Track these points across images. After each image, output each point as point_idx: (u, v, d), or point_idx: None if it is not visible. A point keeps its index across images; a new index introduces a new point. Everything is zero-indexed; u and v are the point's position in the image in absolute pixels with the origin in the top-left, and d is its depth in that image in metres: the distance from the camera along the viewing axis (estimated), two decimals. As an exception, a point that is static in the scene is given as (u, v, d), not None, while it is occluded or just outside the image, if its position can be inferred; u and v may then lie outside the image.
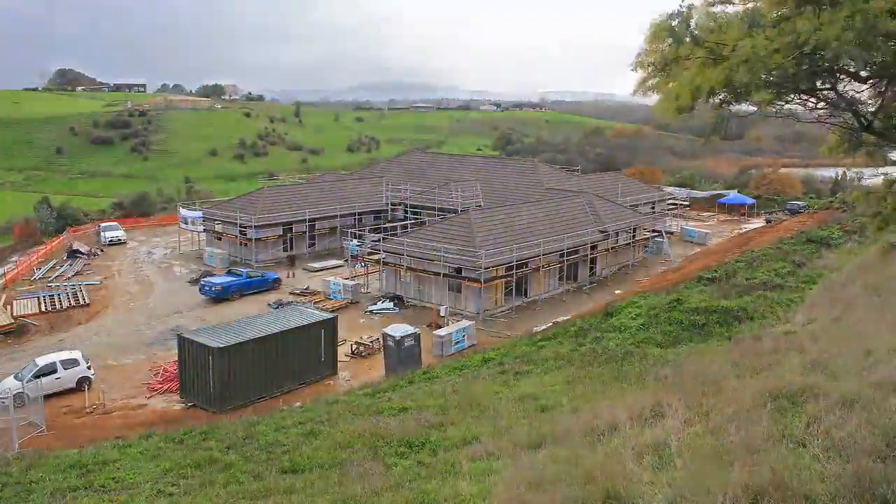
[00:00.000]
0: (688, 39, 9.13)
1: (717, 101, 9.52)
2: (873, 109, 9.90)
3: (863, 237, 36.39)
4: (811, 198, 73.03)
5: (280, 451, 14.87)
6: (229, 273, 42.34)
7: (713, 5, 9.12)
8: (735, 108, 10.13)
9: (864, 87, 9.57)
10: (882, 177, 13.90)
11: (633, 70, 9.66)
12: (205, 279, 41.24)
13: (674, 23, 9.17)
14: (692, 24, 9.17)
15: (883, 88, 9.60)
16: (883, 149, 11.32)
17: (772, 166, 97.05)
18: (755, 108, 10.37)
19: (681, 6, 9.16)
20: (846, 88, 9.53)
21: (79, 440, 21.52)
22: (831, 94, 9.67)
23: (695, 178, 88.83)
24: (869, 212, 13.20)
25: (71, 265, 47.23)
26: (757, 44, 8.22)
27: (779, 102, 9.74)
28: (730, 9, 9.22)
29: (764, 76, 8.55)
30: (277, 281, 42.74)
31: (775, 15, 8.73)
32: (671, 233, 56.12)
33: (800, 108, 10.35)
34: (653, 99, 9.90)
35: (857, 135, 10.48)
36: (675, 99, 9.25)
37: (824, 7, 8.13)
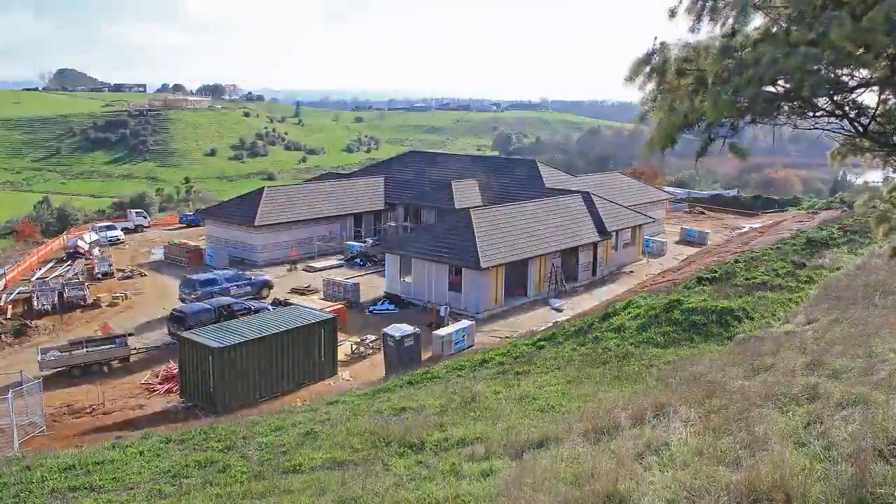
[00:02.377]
0: (671, 72, 9.21)
1: (701, 127, 9.56)
2: (871, 115, 9.88)
3: (863, 237, 36.36)
4: (811, 197, 72.96)
5: (280, 451, 14.85)
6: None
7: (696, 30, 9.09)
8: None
9: (862, 93, 9.55)
10: (881, 180, 13.85)
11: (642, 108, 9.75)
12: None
13: (652, 60, 9.26)
14: (671, 57, 9.25)
15: (879, 94, 9.58)
16: (882, 153, 11.27)
17: (772, 165, 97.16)
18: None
19: (654, 45, 9.24)
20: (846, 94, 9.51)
21: (79, 440, 21.51)
22: (827, 104, 9.66)
23: (695, 178, 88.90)
24: (873, 215, 13.15)
25: (70, 265, 47.22)
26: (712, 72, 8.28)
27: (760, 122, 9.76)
28: (703, 39, 9.26)
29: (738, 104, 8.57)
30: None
31: (749, 39, 8.75)
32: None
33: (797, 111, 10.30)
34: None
35: (857, 140, 10.47)
36: (652, 142, 9.46)
37: (794, 29, 8.14)
